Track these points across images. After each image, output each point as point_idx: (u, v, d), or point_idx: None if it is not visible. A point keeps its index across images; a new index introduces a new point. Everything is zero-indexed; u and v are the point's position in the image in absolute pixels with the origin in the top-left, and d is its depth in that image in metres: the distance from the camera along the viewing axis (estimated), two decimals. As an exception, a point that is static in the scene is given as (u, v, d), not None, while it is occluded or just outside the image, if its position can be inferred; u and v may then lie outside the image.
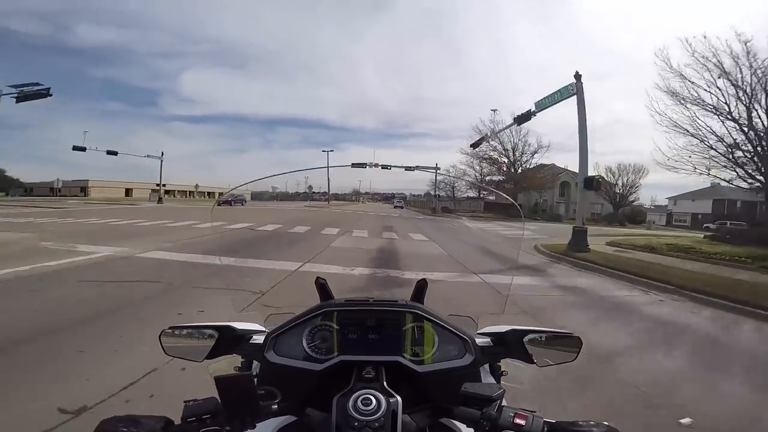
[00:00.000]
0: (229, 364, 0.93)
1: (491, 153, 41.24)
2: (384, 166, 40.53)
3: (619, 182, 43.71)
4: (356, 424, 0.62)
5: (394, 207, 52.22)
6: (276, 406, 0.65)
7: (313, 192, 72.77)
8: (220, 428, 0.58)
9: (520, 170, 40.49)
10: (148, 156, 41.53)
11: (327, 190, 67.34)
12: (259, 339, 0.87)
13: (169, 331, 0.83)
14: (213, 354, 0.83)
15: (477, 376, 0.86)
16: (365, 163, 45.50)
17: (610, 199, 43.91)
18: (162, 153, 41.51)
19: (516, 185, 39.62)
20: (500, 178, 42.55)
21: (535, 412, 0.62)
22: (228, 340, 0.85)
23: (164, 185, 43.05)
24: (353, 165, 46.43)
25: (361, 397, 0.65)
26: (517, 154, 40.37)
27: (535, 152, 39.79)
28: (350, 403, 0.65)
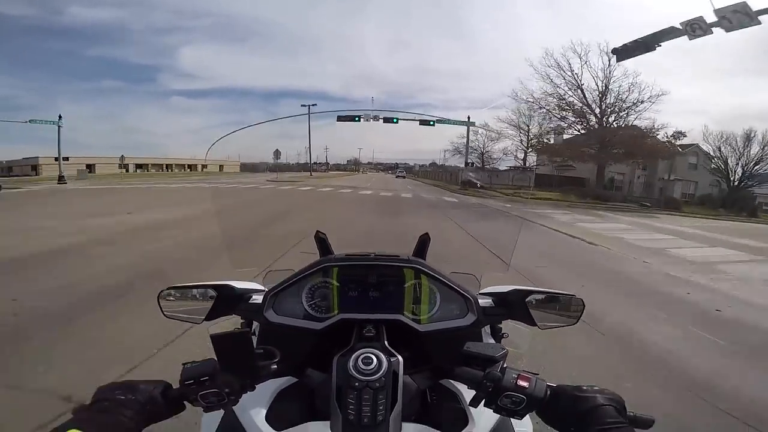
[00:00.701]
0: (230, 325, 0.87)
1: (555, 101, 25.28)
2: (387, 119, 29.10)
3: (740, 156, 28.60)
4: (357, 384, 0.59)
5: (396, 177, 54.40)
6: (275, 366, 0.62)
7: (314, 163, 62.30)
8: (219, 390, 0.55)
9: (608, 126, 24.48)
10: (30, 121, 26.45)
11: (308, 158, 54.31)
12: (258, 298, 0.82)
13: (168, 291, 0.79)
14: (212, 315, 0.78)
15: (478, 336, 0.82)
16: (357, 116, 31.00)
17: (724, 177, 29.02)
18: (60, 117, 25.92)
19: (603, 149, 24.00)
20: (575, 134, 26.68)
21: (537, 374, 0.59)
22: (227, 300, 0.80)
23: (66, 158, 27.09)
24: (339, 118, 32.14)
25: (362, 357, 0.62)
26: (607, 102, 24.16)
27: (638, 102, 23.54)
28: (351, 363, 0.61)
